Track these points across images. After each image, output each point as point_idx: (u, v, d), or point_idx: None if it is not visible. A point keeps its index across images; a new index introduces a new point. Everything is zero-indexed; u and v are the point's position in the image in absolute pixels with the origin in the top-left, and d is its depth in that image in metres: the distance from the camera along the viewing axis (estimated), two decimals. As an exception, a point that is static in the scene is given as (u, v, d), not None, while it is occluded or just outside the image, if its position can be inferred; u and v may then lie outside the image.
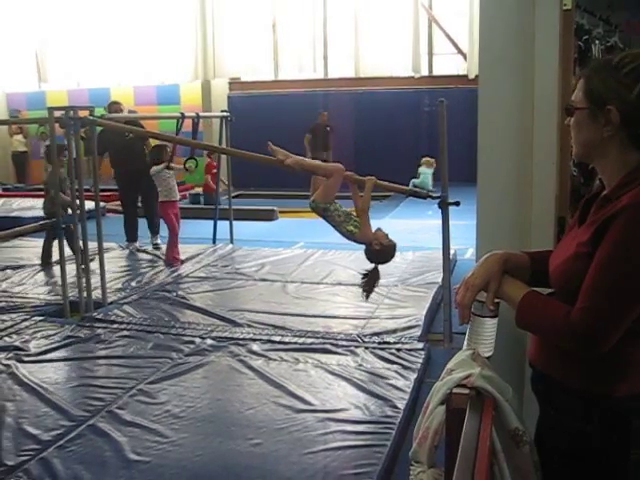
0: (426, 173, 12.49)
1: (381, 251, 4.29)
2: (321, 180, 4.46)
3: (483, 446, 1.37)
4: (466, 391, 1.59)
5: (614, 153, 1.68)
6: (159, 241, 8.63)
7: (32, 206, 11.74)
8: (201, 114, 8.74)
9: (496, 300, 1.77)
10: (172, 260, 7.63)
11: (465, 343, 1.82)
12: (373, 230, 4.33)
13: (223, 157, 9.25)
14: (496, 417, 1.59)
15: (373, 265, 4.35)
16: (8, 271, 7.42)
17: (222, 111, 9.45)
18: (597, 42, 3.16)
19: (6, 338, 5.21)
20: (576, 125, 1.73)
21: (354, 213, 4.43)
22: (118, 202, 9.43)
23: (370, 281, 4.32)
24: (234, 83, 16.75)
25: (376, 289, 6.17)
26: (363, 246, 4.38)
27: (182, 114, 7.57)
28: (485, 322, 1.77)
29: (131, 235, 8.78)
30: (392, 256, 4.38)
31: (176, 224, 7.70)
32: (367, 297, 4.43)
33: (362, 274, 4.38)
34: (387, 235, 4.35)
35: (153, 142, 8.06)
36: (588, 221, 1.72)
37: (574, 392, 1.72)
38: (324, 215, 4.52)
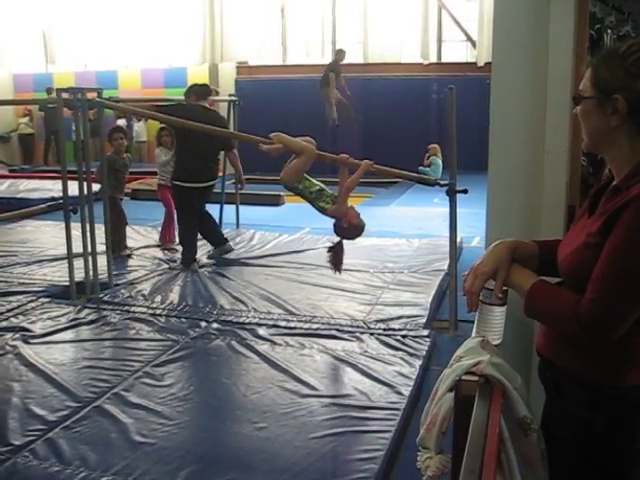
0: (438, 162, 12.42)
1: (348, 229, 4.62)
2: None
3: (492, 433, 1.37)
4: (475, 378, 1.59)
5: (622, 143, 1.67)
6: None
7: (38, 187, 11.77)
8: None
9: (504, 288, 1.77)
10: (168, 242, 7.66)
11: (474, 331, 1.82)
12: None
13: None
14: (505, 405, 1.59)
15: (338, 239, 4.67)
16: (15, 252, 7.44)
17: (230, 95, 9.43)
18: (609, 31, 3.14)
19: (12, 319, 5.23)
20: (583, 114, 1.73)
21: (328, 190, 4.63)
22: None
23: (336, 256, 4.57)
24: (242, 67, 16.69)
25: (381, 274, 6.27)
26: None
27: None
28: (493, 310, 1.77)
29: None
30: (358, 235, 4.71)
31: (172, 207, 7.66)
32: (337, 271, 4.77)
33: (328, 248, 4.70)
34: (359, 215, 4.66)
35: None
36: (598, 211, 1.72)
37: (581, 381, 1.72)
38: (294, 192, 4.67)
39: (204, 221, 7.15)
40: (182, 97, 7.49)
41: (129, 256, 7.23)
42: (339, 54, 13.71)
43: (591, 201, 1.80)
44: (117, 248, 7.02)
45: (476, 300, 1.77)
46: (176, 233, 7.63)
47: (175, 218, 7.48)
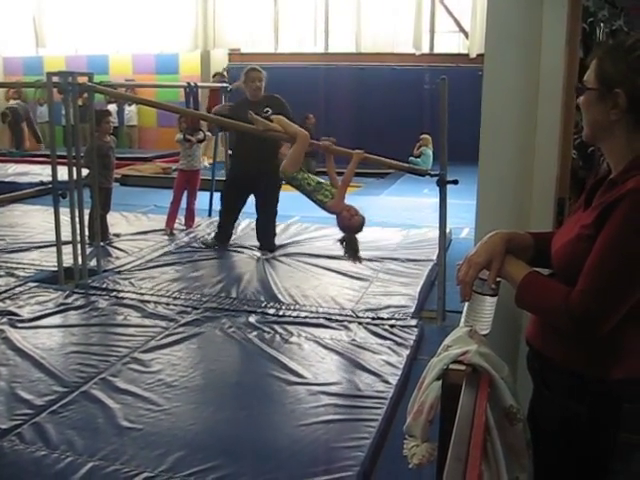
0: (428, 153, 12.42)
1: (346, 227, 4.62)
2: (287, 149, 4.62)
3: (478, 422, 1.38)
4: (462, 367, 1.60)
5: (621, 137, 1.68)
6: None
7: (27, 171, 11.71)
8: (200, 84, 8.71)
9: (497, 279, 1.78)
10: (168, 226, 7.76)
11: (462, 320, 1.83)
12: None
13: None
14: (491, 394, 1.60)
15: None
16: (2, 236, 7.41)
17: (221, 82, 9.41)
18: (602, 25, 3.14)
19: (0, 303, 5.21)
20: (585, 105, 1.73)
21: (327, 183, 4.61)
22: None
23: (350, 245, 4.56)
24: (234, 54, 16.64)
25: (370, 264, 6.28)
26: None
27: (188, 84, 7.57)
28: (485, 300, 1.78)
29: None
30: (360, 230, 4.66)
31: (178, 194, 7.86)
32: (357, 261, 4.79)
33: (340, 240, 4.68)
34: (354, 214, 4.62)
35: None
36: (593, 204, 1.72)
37: (568, 372, 1.73)
38: (293, 184, 4.66)
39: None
40: (173, 83, 7.49)
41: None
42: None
43: (587, 194, 1.81)
44: (105, 235, 7.03)
45: (469, 290, 1.78)
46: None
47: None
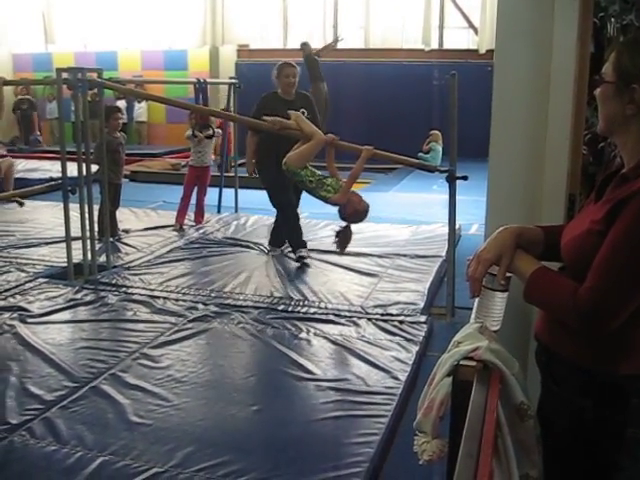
0: (437, 149, 12.38)
1: (353, 215, 4.72)
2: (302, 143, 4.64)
3: (490, 419, 1.37)
4: (473, 364, 1.59)
5: (635, 132, 1.66)
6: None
7: (37, 167, 11.74)
8: (209, 80, 8.72)
9: (507, 274, 1.77)
10: (178, 222, 7.82)
11: (473, 316, 1.82)
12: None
13: (232, 125, 9.27)
14: (502, 391, 1.60)
15: (345, 223, 4.77)
16: (13, 232, 7.43)
17: (230, 78, 9.43)
18: (612, 20, 3.13)
19: (10, 299, 5.23)
20: (601, 97, 1.72)
21: (328, 178, 4.63)
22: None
23: (344, 237, 4.62)
24: (242, 50, 16.64)
25: (380, 260, 6.28)
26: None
27: (198, 80, 7.59)
28: (495, 296, 1.77)
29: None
30: (364, 219, 4.80)
31: (188, 190, 7.91)
32: (341, 252, 4.95)
33: (336, 232, 4.79)
34: (361, 199, 4.73)
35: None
36: (604, 199, 1.71)
37: (576, 367, 1.73)
38: (295, 179, 4.68)
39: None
40: (182, 79, 7.48)
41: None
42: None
43: (599, 187, 1.79)
44: (115, 230, 7.06)
45: (479, 286, 1.76)
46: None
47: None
